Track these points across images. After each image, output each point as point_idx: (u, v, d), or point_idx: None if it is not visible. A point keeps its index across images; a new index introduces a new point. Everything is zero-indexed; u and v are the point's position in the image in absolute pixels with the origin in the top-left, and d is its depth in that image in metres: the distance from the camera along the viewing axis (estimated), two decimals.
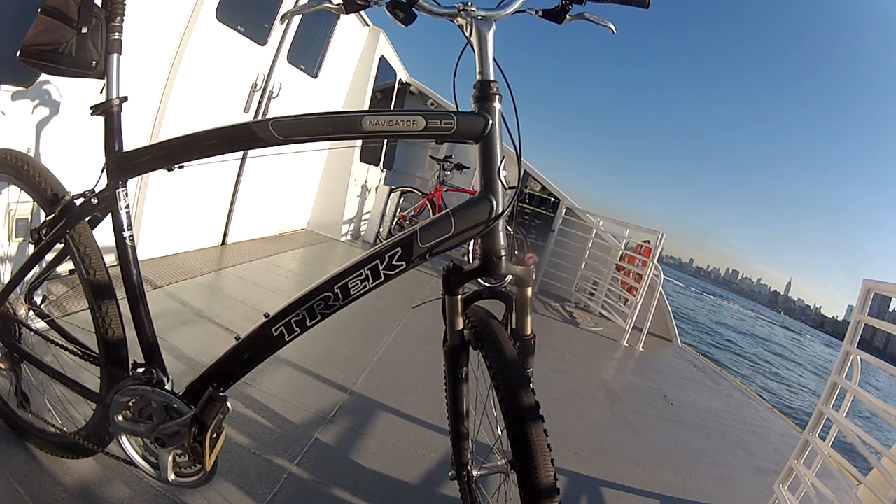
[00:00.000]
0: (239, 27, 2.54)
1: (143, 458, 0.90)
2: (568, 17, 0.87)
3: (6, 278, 1.06)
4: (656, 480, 1.87)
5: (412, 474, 1.41)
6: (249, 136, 0.79)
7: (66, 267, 0.97)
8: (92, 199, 0.91)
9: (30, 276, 1.01)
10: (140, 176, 1.63)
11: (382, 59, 4.50)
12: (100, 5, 0.96)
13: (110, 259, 0.92)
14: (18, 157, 1.00)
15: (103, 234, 0.93)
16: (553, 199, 5.71)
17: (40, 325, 1.08)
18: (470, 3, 0.79)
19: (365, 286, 0.78)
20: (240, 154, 2.98)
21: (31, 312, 1.07)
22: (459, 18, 0.80)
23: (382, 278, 0.78)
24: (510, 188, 0.79)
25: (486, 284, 0.82)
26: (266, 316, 0.82)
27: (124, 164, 0.90)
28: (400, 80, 5.24)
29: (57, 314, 1.44)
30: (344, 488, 1.25)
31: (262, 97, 2.94)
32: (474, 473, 0.99)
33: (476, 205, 0.77)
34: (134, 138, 0.99)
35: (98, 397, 0.93)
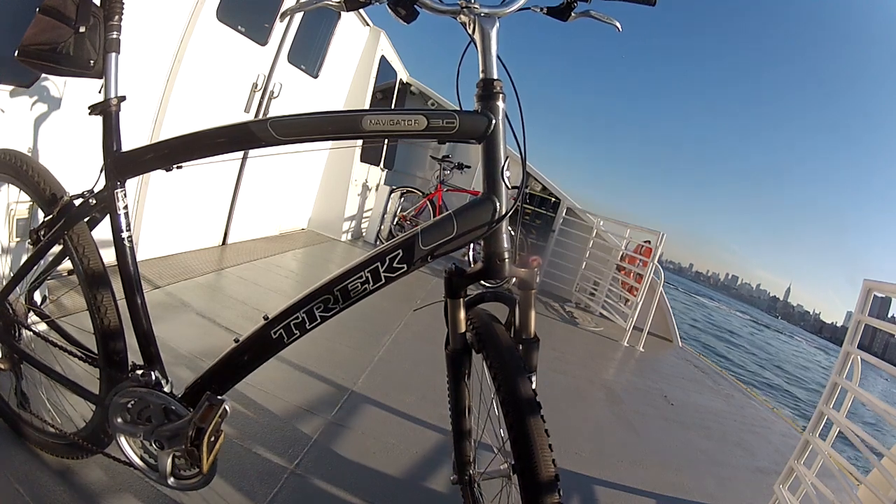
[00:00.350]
0: (239, 27, 2.53)
1: (143, 459, 0.90)
2: (573, 14, 0.86)
3: (6, 278, 1.05)
4: (657, 481, 1.86)
5: (412, 475, 1.41)
6: (248, 136, 0.79)
7: (65, 267, 0.97)
8: (90, 200, 0.91)
9: (29, 276, 1.00)
10: (140, 176, 1.62)
11: (383, 59, 4.49)
12: (98, 4, 0.95)
13: (109, 259, 0.91)
14: (17, 157, 0.99)
15: (102, 234, 0.93)
16: (553, 199, 5.70)
17: (40, 325, 1.08)
18: (473, 0, 0.78)
19: (365, 289, 0.77)
20: (240, 154, 2.97)
21: (31, 313, 1.07)
22: (462, 15, 0.79)
23: (383, 281, 0.77)
24: (513, 188, 0.78)
25: (489, 287, 0.81)
26: (265, 318, 0.82)
27: (123, 164, 0.89)
28: (400, 80, 5.23)
29: (57, 314, 1.43)
30: (344, 489, 1.25)
31: (262, 97, 2.93)
32: (476, 477, 0.98)
33: (479, 206, 0.76)
34: (134, 138, 0.98)
35: (97, 398, 0.93)
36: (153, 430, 0.85)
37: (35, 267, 0.99)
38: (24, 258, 0.99)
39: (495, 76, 0.76)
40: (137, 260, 0.92)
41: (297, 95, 3.34)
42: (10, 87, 1.38)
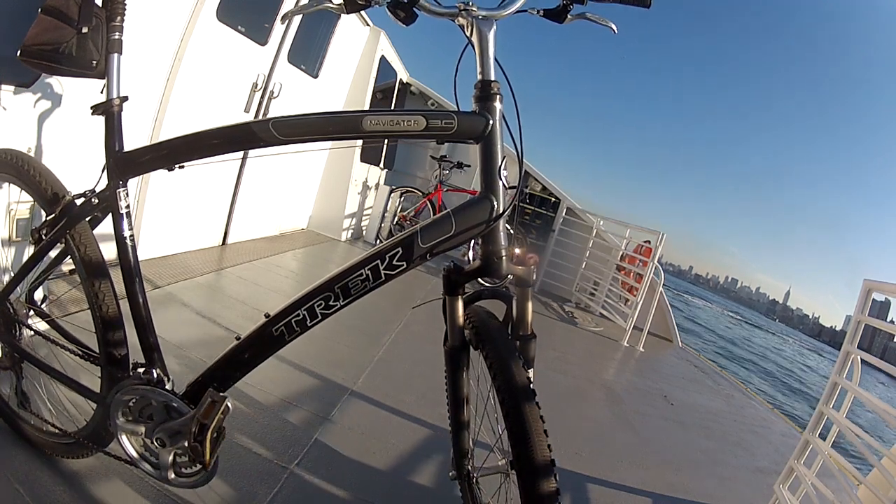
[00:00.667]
0: (239, 27, 2.54)
1: (144, 457, 0.90)
2: (569, 16, 0.87)
3: (7, 278, 1.05)
4: (657, 480, 1.86)
5: (412, 474, 1.41)
6: (250, 136, 0.79)
7: (66, 266, 0.97)
8: (92, 199, 0.91)
9: (30, 275, 1.01)
10: (140, 176, 1.63)
11: (383, 59, 4.50)
12: (100, 5, 0.96)
13: (111, 259, 0.92)
14: (19, 156, 1.00)
15: (104, 233, 0.93)
16: (553, 199, 5.71)
17: (41, 325, 1.08)
18: (471, 3, 0.79)
19: (365, 286, 0.78)
20: (240, 154, 2.98)
21: (32, 312, 1.07)
22: (460, 18, 0.79)
23: (383, 278, 0.78)
24: (511, 188, 0.78)
25: (487, 284, 0.82)
26: (266, 316, 0.82)
27: (124, 163, 0.90)
28: (400, 80, 5.24)
29: (57, 314, 1.44)
30: (344, 488, 1.25)
31: (262, 97, 2.94)
32: (475, 473, 0.99)
33: (477, 205, 0.77)
34: (134, 138, 0.99)
35: (98, 397, 0.93)
36: (155, 427, 0.85)
37: (36, 266, 0.99)
38: (26, 258, 0.99)
39: (493, 78, 0.77)
40: (139, 259, 0.93)
41: (297, 95, 3.34)
42: (12, 87, 1.38)
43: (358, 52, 4.30)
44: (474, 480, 1.00)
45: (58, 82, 1.51)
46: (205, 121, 1.85)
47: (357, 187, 4.65)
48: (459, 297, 0.83)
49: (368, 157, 4.74)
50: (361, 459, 1.39)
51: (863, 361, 1.67)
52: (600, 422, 2.33)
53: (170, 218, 2.50)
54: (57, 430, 1.00)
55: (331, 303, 0.79)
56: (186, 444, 0.82)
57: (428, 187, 5.13)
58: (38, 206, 1.00)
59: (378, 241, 4.77)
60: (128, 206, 0.91)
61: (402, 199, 5.02)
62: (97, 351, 0.94)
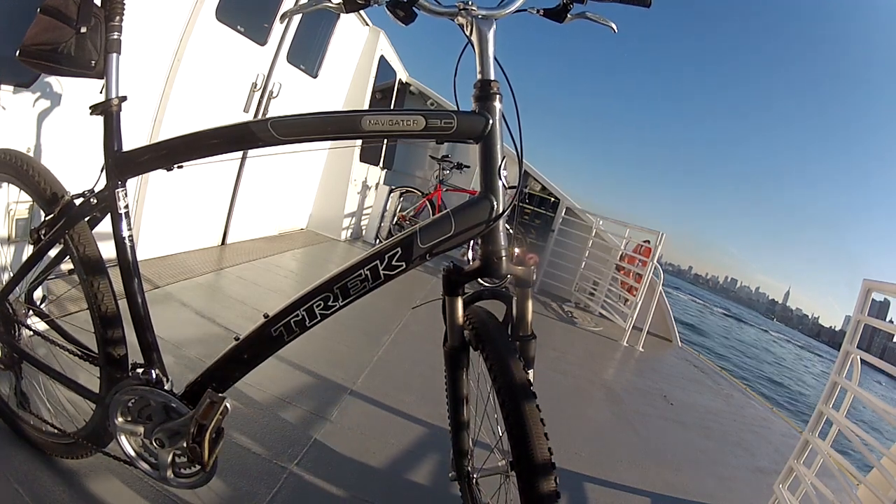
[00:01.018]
0: (239, 27, 2.54)
1: (143, 458, 0.90)
2: (569, 16, 0.87)
3: (6, 278, 1.05)
4: (657, 480, 1.86)
5: (412, 474, 1.41)
6: (249, 136, 0.79)
7: (66, 266, 0.97)
8: (91, 199, 0.91)
9: (29, 275, 1.01)
10: (139, 176, 1.63)
11: (382, 59, 4.50)
12: (99, 5, 0.96)
13: (110, 259, 0.91)
14: (18, 156, 1.00)
15: (103, 233, 0.93)
16: (553, 198, 5.71)
17: (40, 325, 1.08)
18: (470, 2, 0.79)
19: (365, 286, 0.78)
20: (240, 154, 2.98)
21: (31, 312, 1.07)
22: (460, 17, 0.79)
23: (382, 279, 0.78)
24: (510, 188, 0.78)
25: (487, 285, 0.82)
26: (265, 316, 0.82)
27: (123, 163, 0.90)
28: (400, 79, 5.23)
29: (57, 314, 1.44)
30: (344, 488, 1.25)
31: (261, 97, 2.94)
32: (475, 474, 0.99)
33: (476, 205, 0.77)
34: (134, 138, 0.99)
35: (97, 397, 0.93)
36: (154, 428, 0.85)
37: (35, 266, 0.99)
38: (25, 258, 0.99)
39: (492, 77, 0.77)
40: (138, 259, 0.93)
41: (297, 95, 3.34)
42: (11, 87, 1.38)
43: (357, 52, 4.30)
44: (474, 481, 1.00)
45: (57, 82, 1.51)
46: (204, 121, 1.85)
47: (356, 187, 4.65)
48: (459, 297, 0.83)
49: (368, 156, 4.74)
50: (361, 459, 1.39)
51: (862, 361, 1.67)
52: (600, 422, 2.33)
53: (169, 218, 2.50)
54: (56, 430, 1.00)
55: (330, 303, 0.79)
56: (185, 444, 0.82)
57: (427, 187, 5.13)
58: (37, 206, 1.00)
59: (377, 241, 4.77)
60: (126, 206, 0.91)
61: (402, 198, 5.02)
62: (96, 351, 0.94)
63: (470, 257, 4.30)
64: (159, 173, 0.91)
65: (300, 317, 0.79)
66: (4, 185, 1.10)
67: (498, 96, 0.76)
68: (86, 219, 0.93)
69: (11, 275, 1.01)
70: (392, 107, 5.05)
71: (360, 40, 4.29)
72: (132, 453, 0.89)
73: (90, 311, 0.91)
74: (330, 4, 0.82)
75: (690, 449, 2.35)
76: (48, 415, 1.05)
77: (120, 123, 0.92)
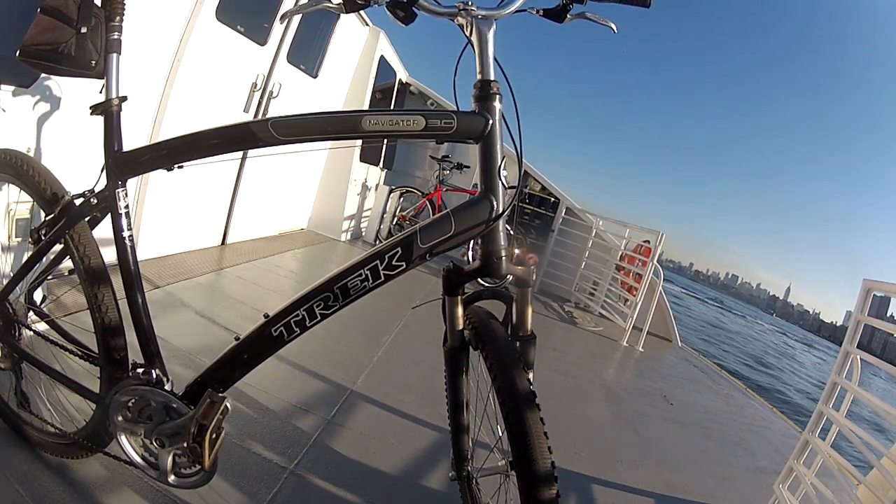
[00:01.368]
0: (239, 27, 2.54)
1: (143, 458, 0.90)
2: (569, 16, 0.87)
3: (6, 278, 1.05)
4: (656, 480, 1.86)
5: (412, 474, 1.41)
6: (249, 136, 0.79)
7: (66, 267, 0.97)
8: (91, 199, 0.91)
9: (30, 275, 1.01)
10: (140, 176, 1.63)
11: (382, 59, 4.50)
12: (99, 5, 0.96)
13: (110, 259, 0.91)
14: (18, 156, 1.00)
15: (103, 233, 0.93)
16: (553, 198, 5.71)
17: (40, 325, 1.08)
18: (470, 3, 0.79)
19: (365, 286, 0.78)
20: (240, 154, 2.98)
21: (31, 312, 1.07)
22: (460, 18, 0.79)
23: (382, 279, 0.78)
24: (510, 188, 0.78)
25: (487, 285, 0.82)
26: (266, 316, 0.82)
27: (124, 163, 0.90)
28: (400, 80, 5.23)
29: (57, 314, 1.44)
30: (344, 488, 1.25)
31: (262, 97, 2.94)
32: (474, 473, 0.99)
33: (476, 205, 0.77)
34: (134, 138, 0.99)
35: (98, 397, 0.93)
36: (154, 428, 0.85)
37: (36, 266, 0.99)
38: (25, 258, 0.99)
39: (492, 77, 0.77)
40: (138, 259, 0.93)
41: (297, 95, 3.34)
42: (11, 87, 1.38)
43: (357, 52, 4.30)
44: (474, 481, 1.00)
45: (57, 82, 1.51)
46: (204, 121, 1.85)
47: (356, 187, 4.65)
48: (459, 297, 0.83)
49: (368, 157, 4.74)
50: (361, 459, 1.39)
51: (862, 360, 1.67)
52: (600, 422, 2.33)
53: (169, 218, 2.50)
54: (56, 431, 1.00)
55: (330, 303, 0.79)
56: (185, 444, 0.82)
57: (427, 187, 5.13)
58: (37, 206, 1.00)
59: (377, 241, 4.77)
60: (127, 206, 0.91)
61: (402, 198, 5.02)
62: (96, 351, 0.94)
63: (470, 257, 4.30)
64: (159, 173, 0.91)
65: (300, 317, 0.80)
66: (5, 185, 1.10)
67: (498, 96, 0.76)
68: (86, 219, 0.93)
69: (12, 275, 1.01)
70: (392, 107, 5.06)
71: (360, 40, 4.29)
72: (132, 453, 0.89)
73: (90, 311, 0.91)
74: (330, 4, 0.82)
75: (690, 449, 2.35)
76: (48, 415, 1.05)
77: (120, 123, 0.92)
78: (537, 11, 0.85)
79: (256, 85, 2.85)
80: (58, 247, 0.95)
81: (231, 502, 1.08)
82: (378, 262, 0.77)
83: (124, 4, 0.96)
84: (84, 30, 0.93)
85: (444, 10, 0.80)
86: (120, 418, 0.88)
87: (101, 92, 0.93)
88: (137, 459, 0.90)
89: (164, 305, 1.98)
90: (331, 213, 4.47)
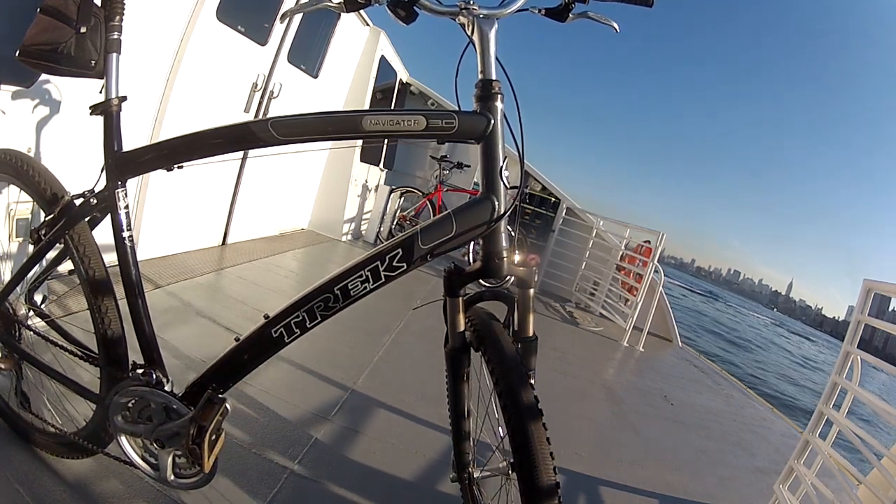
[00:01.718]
0: (239, 27, 2.54)
1: (143, 458, 0.90)
2: (571, 15, 0.87)
3: (6, 278, 1.05)
4: (657, 480, 1.86)
5: (412, 474, 1.41)
6: (249, 136, 0.79)
7: (66, 267, 0.97)
8: (91, 200, 0.91)
9: (30, 275, 1.00)
10: (140, 176, 1.63)
11: (383, 59, 4.49)
12: (99, 5, 0.95)
13: (110, 259, 0.91)
14: (18, 156, 1.00)
15: (103, 234, 0.93)
16: (553, 199, 5.71)
17: (40, 325, 1.08)
18: (472, 2, 0.78)
19: (365, 287, 0.78)
20: (240, 154, 2.98)
21: (32, 312, 1.07)
22: (461, 17, 0.79)
23: (383, 279, 0.77)
24: (512, 188, 0.78)
25: (488, 286, 0.82)
26: (266, 317, 0.82)
27: (124, 164, 0.90)
28: (400, 80, 5.23)
29: (57, 314, 1.43)
30: (344, 488, 1.25)
31: (262, 97, 2.94)
32: (475, 475, 0.99)
33: (478, 205, 0.76)
34: (134, 138, 0.98)
35: (98, 398, 0.93)
36: (154, 429, 0.85)
37: (36, 267, 0.99)
38: (25, 258, 0.99)
39: (494, 77, 0.76)
40: (138, 260, 0.93)
41: (297, 95, 3.34)
42: (11, 88, 1.38)
43: (358, 52, 4.29)
44: (475, 482, 1.00)
45: (57, 82, 1.51)
46: (204, 121, 1.85)
47: (357, 187, 4.65)
48: (460, 298, 0.82)
49: (368, 157, 4.74)
50: (361, 459, 1.39)
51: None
52: (600, 422, 2.33)
53: (169, 218, 2.49)
54: (57, 431, 1.00)
55: (330, 304, 0.78)
56: (185, 445, 0.82)
57: (428, 187, 5.12)
58: (37, 207, 1.00)
59: (378, 242, 4.77)
60: (127, 206, 0.91)
61: (402, 199, 5.01)
62: (97, 351, 0.94)
63: (471, 258, 4.30)
64: (159, 173, 0.91)
65: (301, 318, 0.79)
66: (5, 185, 1.10)
67: (499, 96, 0.76)
68: (86, 219, 0.93)
69: (12, 275, 1.01)
70: (393, 107, 5.05)
71: (361, 40, 4.29)
72: (132, 454, 0.89)
73: (90, 311, 0.91)
74: (330, 4, 0.82)
75: (690, 449, 2.35)
76: (48, 415, 1.05)
77: (120, 123, 0.92)
78: (539, 11, 0.85)
79: (257, 85, 2.85)
80: (58, 247, 0.95)
81: (231, 502, 1.08)
82: (379, 262, 0.76)
83: (124, 4, 0.96)
84: (84, 30, 0.93)
85: (445, 9, 0.79)
86: (120, 419, 0.88)
87: (100, 92, 0.93)
88: (137, 460, 0.90)
89: (164, 306, 1.98)
90: (331, 213, 4.47)
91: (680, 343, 4.83)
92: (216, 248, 3.02)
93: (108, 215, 0.91)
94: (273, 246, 3.50)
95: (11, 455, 1.01)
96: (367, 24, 4.26)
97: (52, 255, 0.98)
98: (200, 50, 2.27)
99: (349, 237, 4.67)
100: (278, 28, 2.90)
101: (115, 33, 0.94)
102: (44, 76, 1.44)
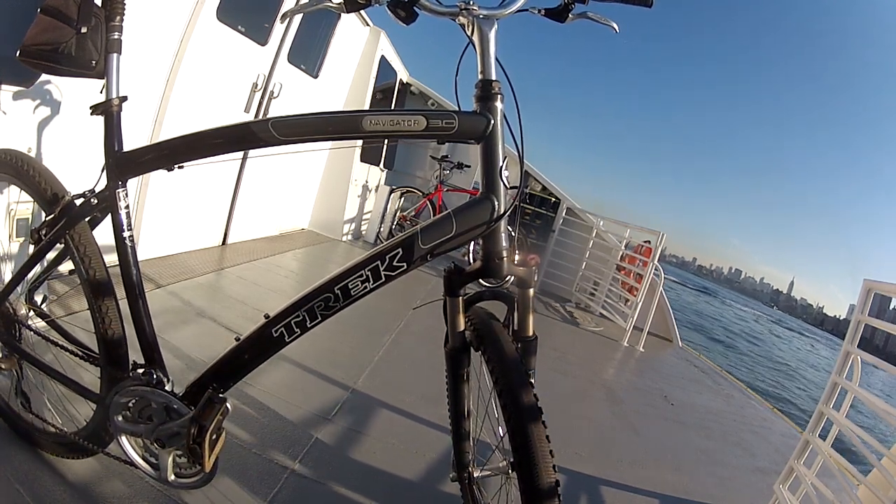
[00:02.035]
0: (239, 27, 2.54)
1: (143, 458, 0.90)
2: (570, 16, 0.87)
3: (7, 278, 1.05)
4: (657, 480, 1.86)
5: (413, 474, 1.41)
6: (249, 136, 0.79)
7: (66, 267, 0.97)
8: (92, 200, 0.91)
9: (30, 275, 1.00)
10: (140, 176, 1.63)
11: (383, 59, 4.50)
12: (99, 5, 0.96)
13: (110, 259, 0.91)
14: (18, 157, 1.00)
15: (103, 234, 0.93)
16: (553, 199, 5.71)
17: (40, 325, 1.08)
18: (472, 2, 0.78)
19: (366, 287, 0.78)
20: (240, 154, 2.98)
21: (32, 312, 1.07)
22: (461, 17, 0.79)
23: (383, 279, 0.77)
24: (512, 188, 0.78)
25: (488, 285, 0.82)
26: (266, 317, 0.82)
27: (124, 164, 0.90)
28: (400, 80, 5.23)
29: (57, 314, 1.44)
30: (345, 488, 1.25)
31: (262, 97, 2.94)
32: (475, 475, 0.99)
33: (478, 205, 0.76)
34: (134, 138, 0.99)
35: (98, 398, 0.93)
36: (154, 428, 0.85)
37: (36, 266, 0.99)
38: (26, 258, 0.99)
39: (494, 77, 0.76)
40: (138, 259, 0.93)
41: (297, 95, 3.34)
42: (12, 88, 1.38)
43: (358, 52, 4.29)
44: (475, 482, 1.00)
45: (57, 82, 1.51)
46: (205, 121, 1.85)
47: (357, 187, 4.65)
48: (460, 298, 0.83)
49: (368, 157, 4.74)
50: (361, 459, 1.39)
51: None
52: (600, 422, 2.33)
53: (170, 218, 2.50)
54: (57, 430, 1.00)
55: (330, 304, 0.78)
56: (186, 445, 0.82)
57: (428, 187, 5.12)
58: (37, 207, 1.00)
59: (378, 242, 4.77)
60: (127, 207, 0.91)
61: (403, 199, 5.01)
62: (97, 351, 0.94)
63: (471, 258, 4.30)
64: (160, 173, 0.91)
65: (301, 317, 0.79)
66: (5, 185, 1.10)
67: (499, 96, 0.76)
68: (86, 219, 0.93)
69: (12, 275, 1.01)
70: (393, 107, 5.05)
71: (361, 40, 4.29)
72: (133, 454, 0.89)
73: (91, 311, 0.91)
74: (331, 4, 0.82)
75: (690, 449, 2.35)
76: (49, 415, 1.05)
77: (120, 123, 0.92)
78: (539, 11, 0.85)
79: (257, 85, 2.85)
80: (58, 247, 0.95)
81: (232, 502, 1.08)
82: (379, 262, 0.76)
83: (124, 4, 0.96)
84: (84, 30, 0.93)
85: (445, 9, 0.79)
86: (120, 419, 0.88)
87: (101, 92, 0.93)
88: (138, 460, 0.90)
89: (164, 305, 1.98)
90: (331, 213, 4.47)
91: (680, 343, 4.83)
92: (216, 248, 3.02)
93: (109, 215, 0.91)
94: (273, 246, 3.50)
95: (12, 455, 1.01)
96: (368, 25, 4.26)
97: (52, 255, 0.98)
98: (201, 50, 2.27)
99: (349, 237, 4.67)
100: (278, 28, 2.90)
101: (116, 33, 0.94)
102: (44, 76, 1.44)
